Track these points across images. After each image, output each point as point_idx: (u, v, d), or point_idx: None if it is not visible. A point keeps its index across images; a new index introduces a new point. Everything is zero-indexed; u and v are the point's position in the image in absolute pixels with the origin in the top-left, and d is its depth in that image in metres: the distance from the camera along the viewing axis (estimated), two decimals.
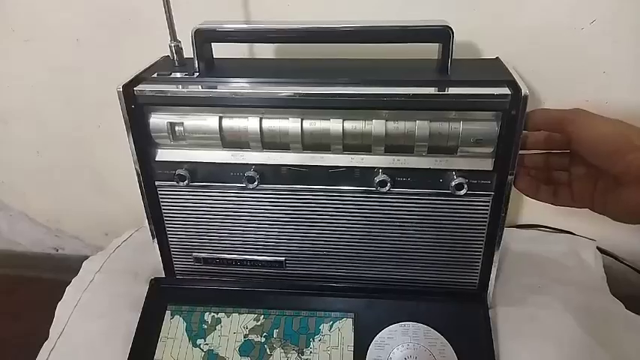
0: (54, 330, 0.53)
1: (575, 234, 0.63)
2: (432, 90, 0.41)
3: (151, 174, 0.46)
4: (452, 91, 0.41)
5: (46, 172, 0.75)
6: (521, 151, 0.41)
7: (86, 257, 0.63)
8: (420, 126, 0.41)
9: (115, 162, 0.70)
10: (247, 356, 0.45)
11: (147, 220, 0.50)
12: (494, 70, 0.43)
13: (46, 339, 0.53)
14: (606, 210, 0.40)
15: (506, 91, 0.39)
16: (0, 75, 0.65)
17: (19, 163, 0.75)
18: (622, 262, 0.62)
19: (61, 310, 0.55)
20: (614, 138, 0.37)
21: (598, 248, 0.61)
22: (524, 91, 0.38)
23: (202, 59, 0.45)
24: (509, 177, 0.42)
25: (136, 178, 0.47)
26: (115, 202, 0.76)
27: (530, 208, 0.64)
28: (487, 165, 0.43)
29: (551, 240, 0.62)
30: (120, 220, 0.75)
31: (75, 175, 0.75)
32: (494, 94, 0.39)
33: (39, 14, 0.59)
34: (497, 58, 0.46)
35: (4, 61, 0.64)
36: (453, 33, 0.41)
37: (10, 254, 0.88)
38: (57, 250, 0.88)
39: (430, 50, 0.45)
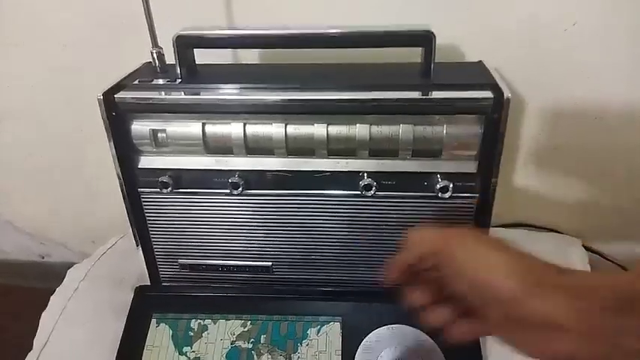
0: (38, 340, 0.53)
1: (560, 232, 0.64)
2: (415, 94, 0.41)
3: (133, 181, 0.46)
4: (435, 95, 0.41)
5: (32, 179, 0.74)
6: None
7: (73, 264, 0.62)
8: (404, 130, 0.41)
9: (102, 168, 0.69)
10: None
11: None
12: (476, 74, 0.44)
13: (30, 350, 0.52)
14: None
15: (488, 94, 0.39)
16: None
17: (6, 169, 0.74)
18: (607, 259, 0.63)
19: (46, 319, 0.55)
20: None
21: (583, 246, 0.62)
22: (507, 94, 0.38)
23: (184, 65, 0.44)
24: (494, 179, 0.42)
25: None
26: (102, 209, 0.75)
27: (515, 208, 0.65)
28: (471, 167, 0.43)
29: (537, 238, 0.62)
30: (107, 227, 0.74)
31: (62, 182, 0.74)
32: (476, 98, 0.40)
33: (36, 15, 0.58)
34: (480, 61, 0.47)
35: None
36: (434, 37, 0.41)
37: None
38: (43, 258, 0.87)
39: (415, 53, 0.45)
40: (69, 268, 0.61)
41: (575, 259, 0.59)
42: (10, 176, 0.75)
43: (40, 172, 0.73)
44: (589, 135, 0.56)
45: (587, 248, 0.62)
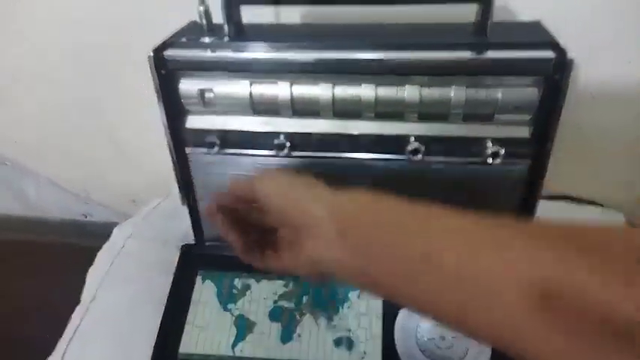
0: (86, 295, 0.55)
1: (604, 206, 0.62)
2: (469, 54, 0.39)
3: (181, 141, 0.46)
4: (490, 55, 0.39)
5: (72, 139, 0.76)
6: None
7: (114, 224, 0.64)
8: (455, 92, 0.40)
9: (142, 130, 0.70)
10: (278, 321, 0.46)
11: (177, 187, 0.50)
12: (536, 33, 0.41)
13: (77, 304, 0.54)
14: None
15: (549, 54, 0.37)
16: (25, 37, 0.65)
17: (45, 131, 0.76)
18: None
19: (93, 275, 0.57)
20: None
21: (628, 221, 0.60)
22: (570, 54, 0.36)
23: (232, 23, 0.44)
24: (549, 145, 0.41)
25: (166, 145, 0.47)
26: (141, 170, 0.77)
27: (559, 179, 0.63)
28: (524, 132, 0.41)
29: (580, 211, 0.61)
30: (146, 187, 0.76)
31: (100, 143, 0.75)
32: (537, 58, 0.38)
33: None
34: (538, 21, 0.44)
35: (28, 22, 0.63)
36: None
37: (38, 221, 0.90)
38: (85, 217, 0.90)
39: (466, 15, 0.43)
40: (111, 227, 0.63)
41: None
42: (50, 138, 0.77)
43: (78, 133, 0.74)
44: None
45: (630, 224, 0.60)
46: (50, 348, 0.50)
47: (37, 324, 0.64)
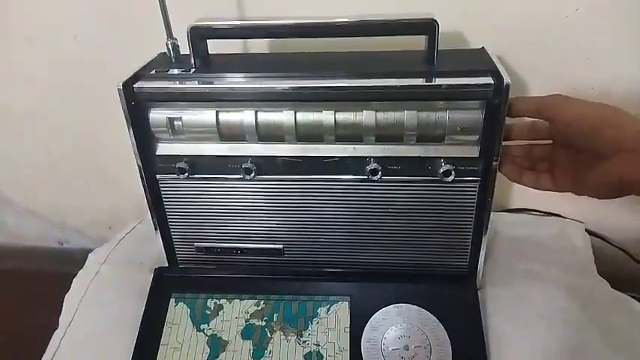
0: (63, 319, 0.56)
1: (564, 217, 0.65)
2: (419, 81, 0.43)
3: (152, 167, 0.48)
4: (438, 81, 0.42)
5: (50, 168, 0.77)
6: (506, 142, 0.43)
7: (90, 250, 0.64)
8: (408, 116, 0.43)
9: (117, 157, 0.72)
10: (249, 339, 0.48)
11: (149, 213, 0.52)
12: (478, 61, 0.45)
13: (55, 329, 0.55)
14: (585, 188, 0.42)
15: (489, 80, 0.41)
16: (3, 72, 0.67)
17: (25, 159, 0.77)
18: (610, 243, 0.64)
19: (69, 300, 0.58)
20: (590, 116, 0.39)
21: (587, 230, 0.63)
22: (507, 80, 0.40)
23: (198, 55, 0.47)
24: (495, 163, 0.44)
25: (138, 171, 0.49)
26: (118, 196, 0.78)
27: (520, 193, 0.66)
28: (473, 152, 0.45)
29: (541, 223, 0.64)
30: (123, 213, 0.77)
31: (78, 171, 0.76)
32: (478, 84, 0.41)
33: (41, 12, 0.60)
34: (482, 48, 0.48)
35: (8, 58, 0.65)
36: (438, 25, 0.43)
37: (15, 248, 0.90)
38: (61, 244, 0.90)
39: (419, 40, 0.46)
40: (86, 253, 0.64)
41: (578, 243, 0.61)
42: (27, 165, 0.78)
43: (55, 161, 0.76)
44: None
45: (590, 232, 0.63)
46: None
47: (17, 348, 0.64)
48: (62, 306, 0.57)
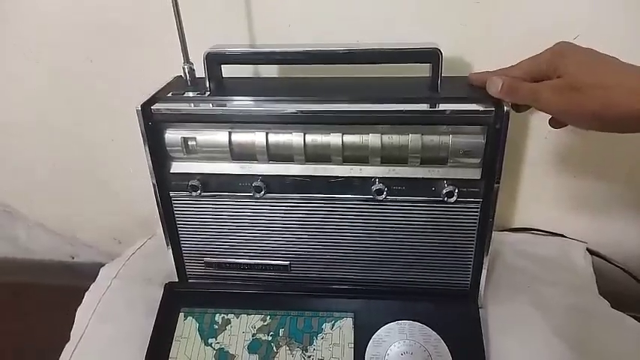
0: (75, 333, 0.57)
1: (566, 237, 0.66)
2: (423, 106, 0.45)
3: (165, 185, 0.50)
4: (442, 107, 0.44)
5: (61, 184, 0.79)
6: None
7: (100, 264, 0.66)
8: (412, 139, 0.45)
9: (127, 174, 0.74)
10: (255, 353, 0.49)
11: (160, 229, 0.54)
12: (481, 87, 0.47)
13: (67, 342, 0.56)
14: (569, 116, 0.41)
15: (490, 107, 0.43)
16: (14, 88, 0.69)
17: (36, 174, 0.79)
18: (611, 262, 0.65)
19: (81, 314, 0.59)
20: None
21: (588, 250, 0.64)
22: (507, 107, 0.42)
23: (213, 79, 0.49)
24: (496, 185, 0.46)
25: (151, 189, 0.50)
26: (127, 213, 0.80)
27: (522, 213, 0.68)
28: (475, 174, 0.46)
29: (543, 242, 0.65)
30: (131, 228, 0.79)
31: (89, 187, 0.78)
32: (479, 110, 0.43)
33: (50, 32, 0.63)
34: None
35: (18, 75, 0.68)
36: (441, 54, 0.45)
37: (27, 262, 0.92)
38: (72, 258, 0.92)
39: (424, 67, 0.49)
40: (97, 267, 0.65)
41: (580, 262, 0.62)
42: (38, 181, 0.80)
43: (66, 177, 0.78)
44: (592, 141, 0.59)
45: (591, 252, 0.64)
46: None
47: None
48: (73, 319, 0.59)
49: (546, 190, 0.64)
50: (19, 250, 0.91)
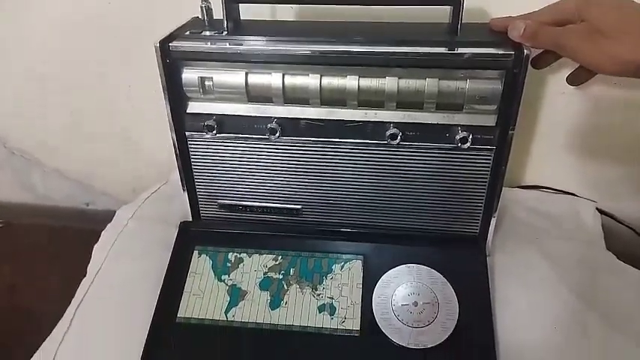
0: (91, 269, 0.59)
1: (576, 195, 0.67)
2: (441, 49, 0.44)
3: (182, 125, 0.51)
4: (460, 50, 0.44)
5: (76, 130, 0.80)
6: None
7: (115, 212, 0.67)
8: (429, 84, 0.45)
9: (142, 120, 0.75)
10: (267, 290, 0.51)
11: (174, 174, 0.55)
12: (501, 33, 0.46)
13: (83, 277, 0.59)
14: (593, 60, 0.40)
15: (509, 50, 0.43)
16: (28, 31, 0.69)
17: (52, 121, 0.80)
18: (620, 222, 0.66)
19: (98, 252, 0.61)
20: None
21: (597, 209, 0.64)
22: (527, 51, 0.41)
23: (230, 19, 0.49)
24: (511, 132, 0.46)
25: (168, 135, 0.51)
26: (141, 160, 0.81)
27: (533, 171, 0.68)
28: (490, 121, 0.46)
29: (553, 200, 0.65)
30: (146, 176, 0.80)
31: (104, 133, 0.79)
32: (498, 54, 0.43)
33: None
34: None
35: (32, 17, 0.67)
36: None
37: (44, 208, 0.95)
38: (87, 205, 0.94)
39: (443, 15, 0.48)
40: (112, 214, 0.67)
41: (589, 220, 0.62)
42: (54, 128, 0.81)
43: (80, 124, 0.79)
44: (607, 101, 0.58)
45: (600, 211, 0.65)
46: (60, 315, 0.54)
47: (47, 295, 0.68)
48: (89, 258, 0.61)
49: (559, 148, 0.64)
50: (37, 197, 0.93)
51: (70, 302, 0.55)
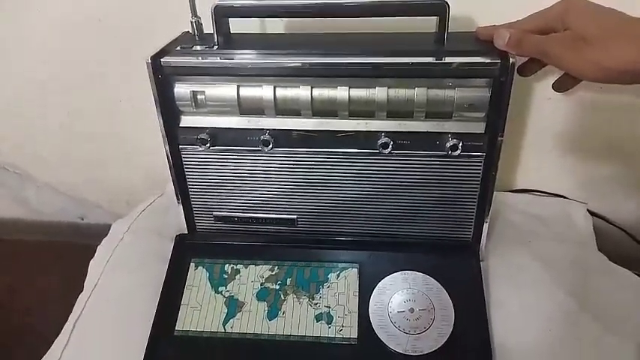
0: (88, 283, 0.59)
1: (567, 198, 0.68)
2: (430, 59, 0.45)
3: (175, 139, 0.51)
4: (447, 60, 0.45)
5: (70, 144, 0.80)
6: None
7: (109, 225, 0.68)
8: (418, 93, 0.46)
9: (136, 133, 0.75)
10: (264, 301, 0.51)
11: (169, 186, 0.55)
12: (487, 42, 0.47)
13: (80, 292, 0.58)
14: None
15: (496, 59, 0.43)
16: (22, 45, 0.69)
17: (43, 135, 0.80)
18: (611, 223, 0.67)
19: (94, 266, 0.61)
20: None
21: (588, 211, 0.65)
22: (512, 59, 0.42)
23: (221, 33, 0.49)
24: (500, 139, 0.47)
25: (161, 148, 0.51)
26: (136, 172, 0.81)
27: (524, 176, 0.69)
28: (479, 128, 0.47)
29: (544, 203, 0.66)
30: (139, 190, 0.80)
31: (98, 147, 0.79)
32: (485, 62, 0.44)
33: None
34: None
35: (28, 34, 0.67)
36: (448, 6, 0.45)
37: (38, 223, 0.94)
38: (82, 219, 0.94)
39: (429, 24, 0.49)
40: (106, 228, 0.67)
41: (580, 221, 0.63)
42: (47, 142, 0.81)
43: (74, 137, 0.79)
44: (595, 104, 0.59)
45: (591, 213, 0.66)
46: (58, 330, 0.54)
47: (44, 312, 0.68)
48: (85, 272, 0.61)
49: (548, 152, 0.65)
50: (31, 212, 0.93)
51: (67, 319, 0.55)
